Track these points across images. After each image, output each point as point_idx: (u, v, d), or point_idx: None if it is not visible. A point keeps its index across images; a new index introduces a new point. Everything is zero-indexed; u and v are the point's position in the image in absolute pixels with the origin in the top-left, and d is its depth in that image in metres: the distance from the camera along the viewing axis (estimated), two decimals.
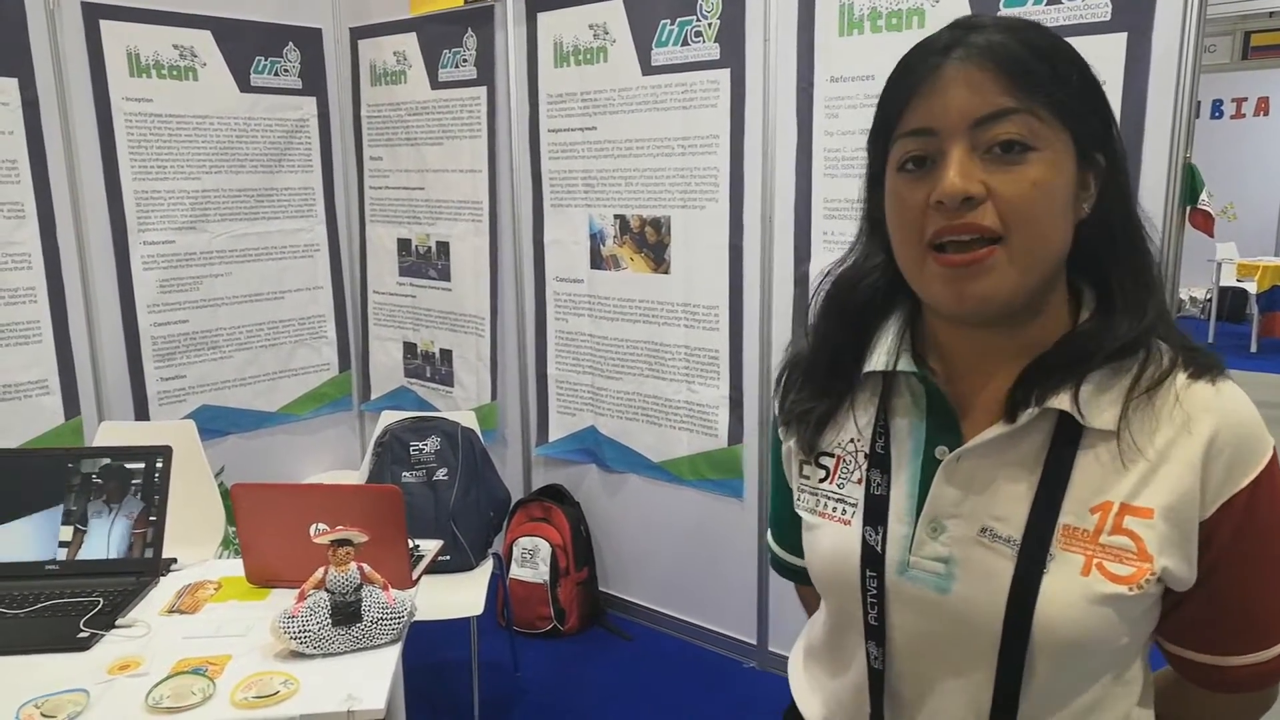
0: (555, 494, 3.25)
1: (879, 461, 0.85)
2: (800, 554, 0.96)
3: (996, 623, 0.77)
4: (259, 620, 1.65)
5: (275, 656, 1.52)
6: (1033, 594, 0.75)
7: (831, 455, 0.89)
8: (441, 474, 2.60)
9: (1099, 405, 0.76)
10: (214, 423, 3.54)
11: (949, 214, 0.74)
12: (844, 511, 0.87)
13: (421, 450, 2.60)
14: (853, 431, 0.88)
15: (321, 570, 1.54)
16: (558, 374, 3.31)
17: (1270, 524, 0.77)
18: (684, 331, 2.90)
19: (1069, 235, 0.77)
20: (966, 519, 0.79)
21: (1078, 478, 0.76)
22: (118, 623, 1.64)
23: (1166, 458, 0.75)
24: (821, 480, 0.90)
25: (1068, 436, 0.77)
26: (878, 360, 0.85)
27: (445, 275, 3.63)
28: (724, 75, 2.70)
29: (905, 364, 0.83)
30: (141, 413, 3.44)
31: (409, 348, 3.84)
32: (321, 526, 1.72)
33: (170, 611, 1.70)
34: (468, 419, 2.74)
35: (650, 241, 2.96)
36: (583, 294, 3.18)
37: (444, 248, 3.62)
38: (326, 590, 1.53)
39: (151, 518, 1.84)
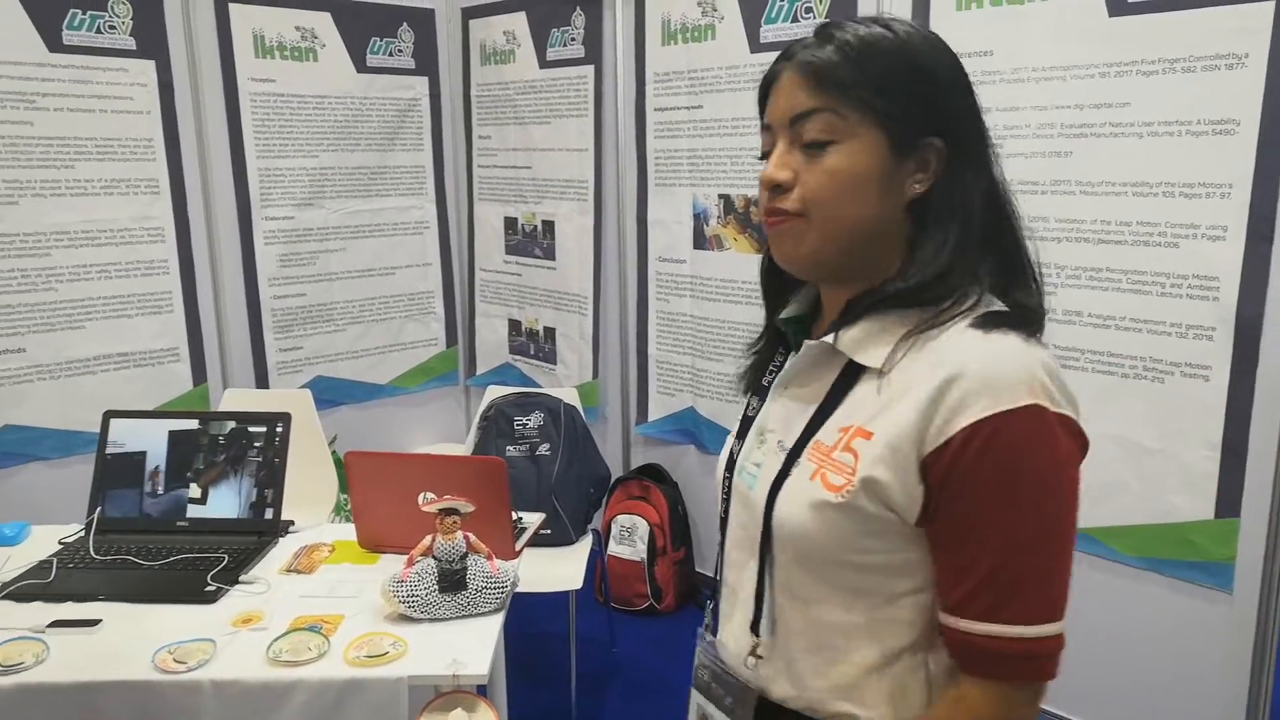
0: (654, 473, 3.27)
1: (759, 390, 1.02)
2: None
3: (760, 512, 0.91)
4: (370, 583, 1.72)
5: (385, 619, 1.58)
6: (777, 491, 0.89)
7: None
8: (544, 449, 2.65)
9: (872, 345, 0.87)
10: (328, 393, 3.68)
11: (768, 195, 0.89)
12: (734, 429, 1.04)
13: (525, 425, 2.65)
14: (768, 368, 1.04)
15: (429, 538, 1.59)
16: (658, 354, 3.33)
17: (989, 474, 0.79)
18: None
19: (880, 211, 0.87)
20: (777, 432, 0.94)
21: (845, 405, 0.88)
22: (241, 579, 1.73)
23: (906, 393, 0.83)
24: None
25: (854, 371, 0.88)
26: (783, 312, 1.01)
27: (550, 254, 3.67)
28: None
29: (786, 313, 1.00)
30: (262, 381, 3.61)
31: (514, 325, 3.91)
32: (429, 495, 1.77)
33: (288, 571, 1.78)
34: (570, 396, 2.78)
35: (755, 222, 2.93)
36: (685, 274, 3.18)
37: (549, 226, 3.66)
38: (434, 558, 1.58)
39: (271, 481, 1.93)
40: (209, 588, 1.67)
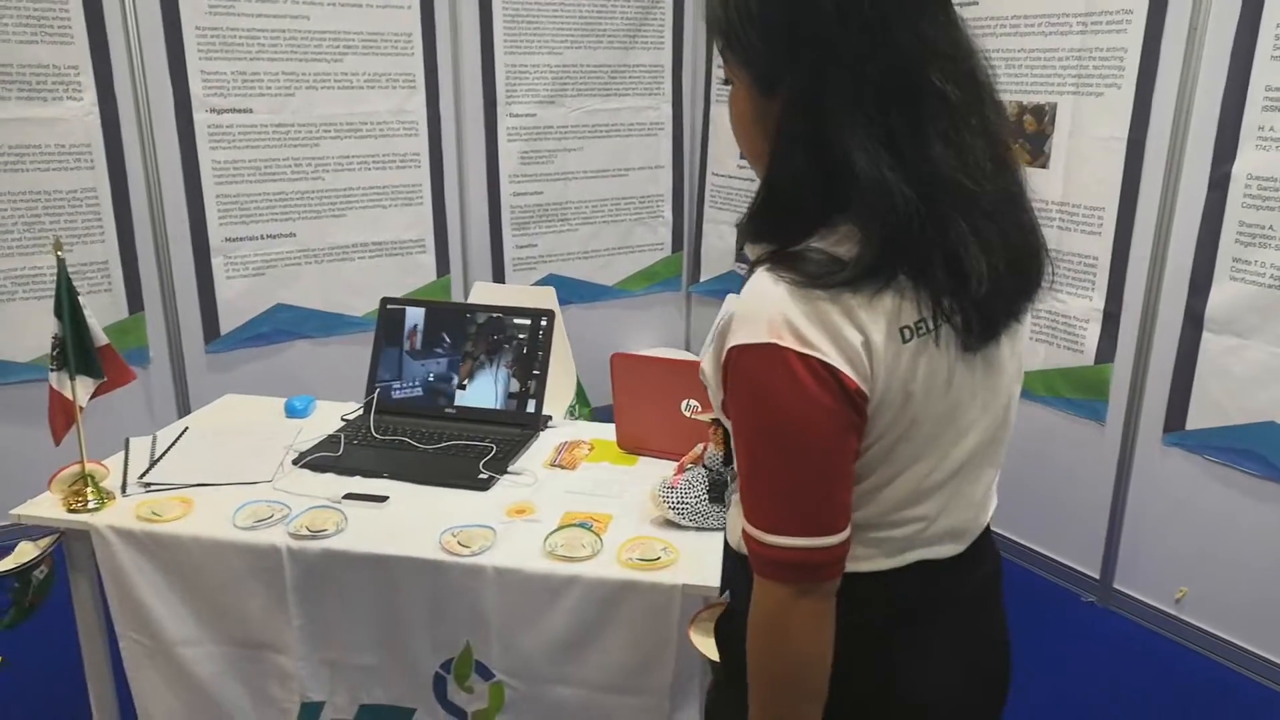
0: None
1: None
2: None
3: None
4: (630, 484, 1.73)
5: (651, 522, 1.59)
6: None
7: None
8: None
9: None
10: (559, 291, 3.73)
11: None
12: None
13: None
14: None
15: (700, 446, 1.57)
16: None
17: (733, 398, 0.88)
18: (1056, 233, 2.62)
19: (762, 149, 0.90)
20: None
21: None
22: (509, 469, 1.78)
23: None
24: None
25: None
26: None
27: None
28: None
29: None
30: (499, 276, 3.72)
31: None
32: (693, 403, 1.75)
33: (552, 465, 1.82)
34: None
35: (1029, 131, 2.67)
36: None
37: None
38: (704, 466, 1.56)
39: (534, 373, 1.96)
40: (481, 475, 1.73)
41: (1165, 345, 2.42)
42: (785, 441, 0.85)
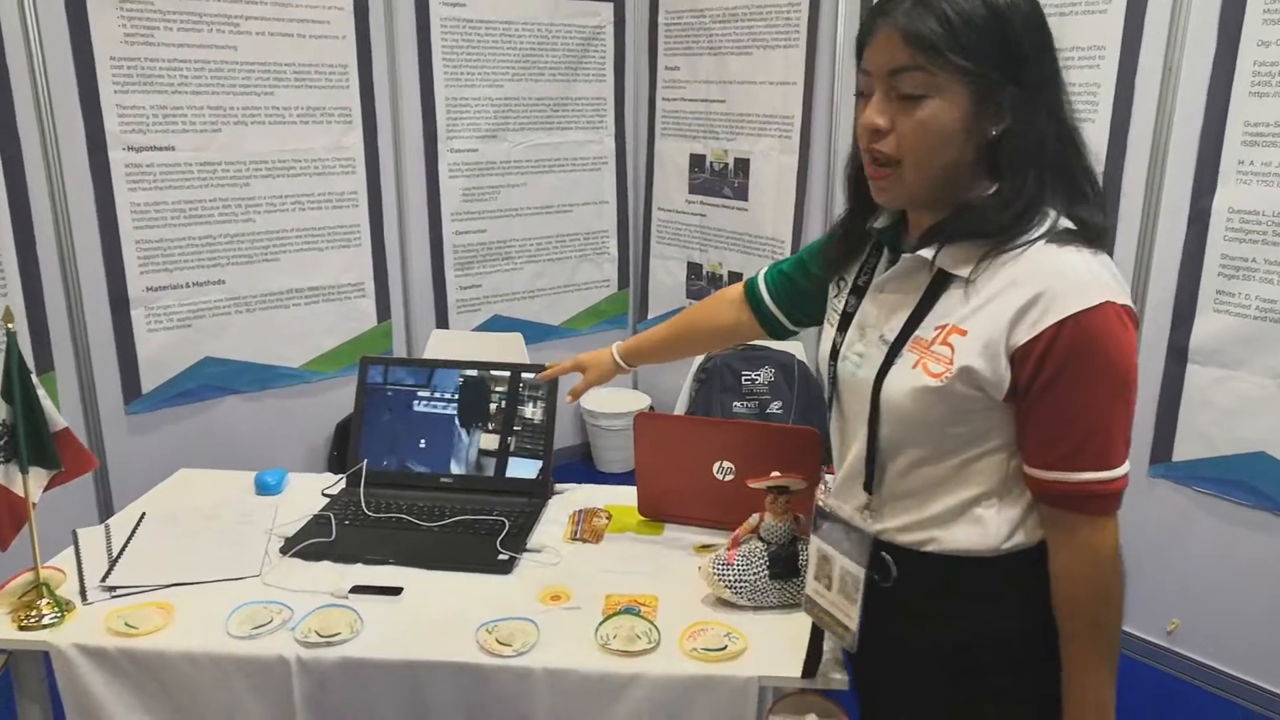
0: None
1: (857, 290, 1.20)
2: (769, 303, 1.46)
3: (868, 395, 1.11)
4: (665, 557, 1.59)
5: (703, 602, 1.45)
6: (883, 378, 1.09)
7: (844, 280, 1.24)
8: (775, 407, 2.48)
9: (962, 259, 1.04)
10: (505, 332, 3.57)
11: (868, 136, 1.05)
12: (833, 321, 1.22)
13: (754, 381, 2.49)
14: (856, 267, 1.22)
15: (756, 517, 1.44)
16: None
17: (1075, 360, 0.98)
18: None
19: (962, 155, 1.03)
20: (875, 327, 1.14)
21: (939, 306, 1.07)
22: (528, 546, 1.61)
23: (995, 298, 1.02)
24: (834, 295, 1.26)
25: (943, 279, 1.07)
26: (873, 222, 1.18)
27: (742, 194, 3.46)
28: None
29: (879, 223, 1.17)
30: (442, 320, 3.52)
31: (693, 268, 3.73)
32: (726, 465, 1.62)
33: (573, 539, 1.66)
34: (799, 350, 2.60)
35: None
36: None
37: (742, 165, 3.45)
38: (760, 539, 1.43)
39: (515, 430, 1.80)
40: (501, 556, 1.56)
41: (1149, 378, 2.43)
42: (1130, 382, 1.01)
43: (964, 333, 1.03)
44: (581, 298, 3.89)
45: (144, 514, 1.71)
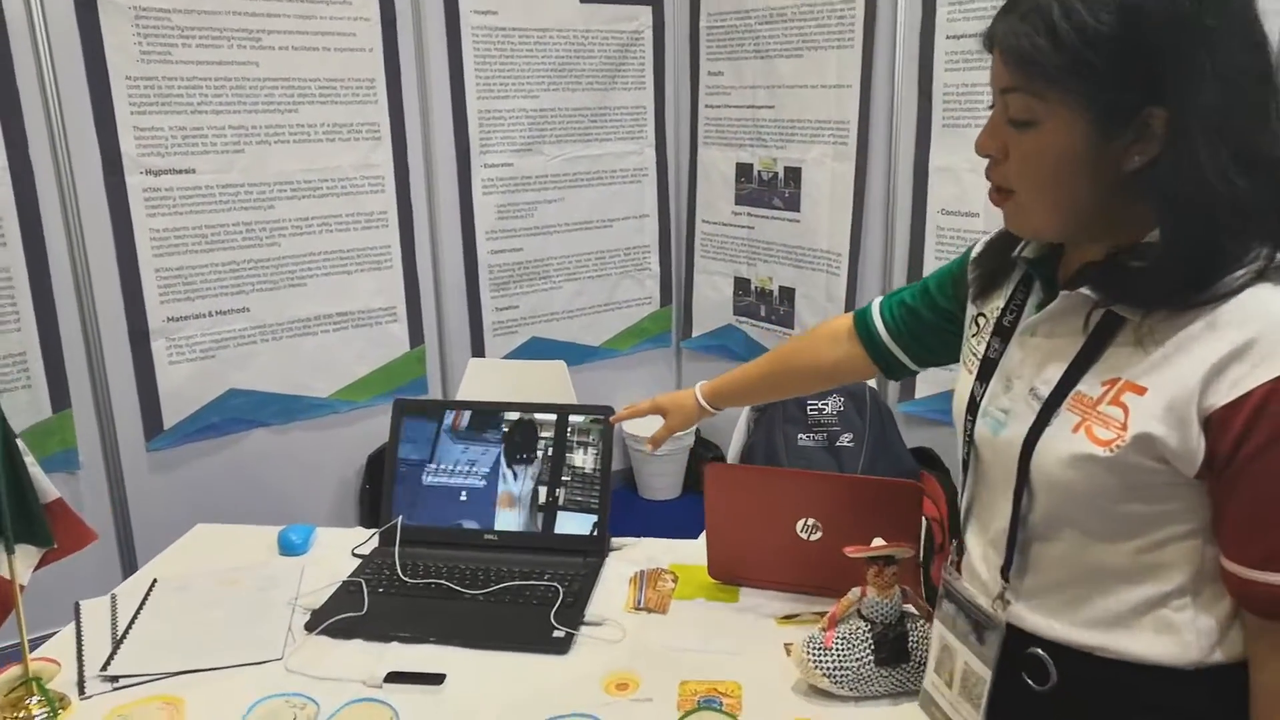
0: (926, 458, 2.85)
1: (1001, 331, 0.99)
2: (886, 339, 1.26)
3: (1014, 461, 0.92)
4: (745, 632, 1.38)
5: (794, 690, 1.24)
6: (1034, 442, 0.90)
7: (984, 316, 1.04)
8: (846, 439, 2.27)
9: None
10: (543, 356, 3.38)
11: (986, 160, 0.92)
12: (972, 365, 1.03)
13: (821, 410, 2.27)
14: (1000, 302, 1.02)
15: (856, 591, 1.23)
16: None
17: None
18: None
19: (1092, 190, 0.84)
20: (1025, 379, 0.94)
21: (1107, 357, 0.87)
22: (586, 618, 1.41)
23: (1185, 347, 0.81)
24: (972, 335, 1.06)
25: (1113, 321, 0.86)
26: (1023, 250, 0.99)
27: (793, 205, 3.25)
28: None
29: (1027, 253, 0.98)
30: (478, 344, 3.35)
31: (741, 283, 3.53)
32: (812, 522, 1.42)
33: (635, 608, 1.45)
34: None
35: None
36: (976, 230, 2.71)
37: (793, 174, 3.24)
38: (862, 617, 1.22)
39: (563, 480, 1.60)
40: (557, 633, 1.36)
41: None
42: None
43: (1141, 390, 0.83)
44: (623, 316, 3.70)
45: (155, 580, 1.53)
